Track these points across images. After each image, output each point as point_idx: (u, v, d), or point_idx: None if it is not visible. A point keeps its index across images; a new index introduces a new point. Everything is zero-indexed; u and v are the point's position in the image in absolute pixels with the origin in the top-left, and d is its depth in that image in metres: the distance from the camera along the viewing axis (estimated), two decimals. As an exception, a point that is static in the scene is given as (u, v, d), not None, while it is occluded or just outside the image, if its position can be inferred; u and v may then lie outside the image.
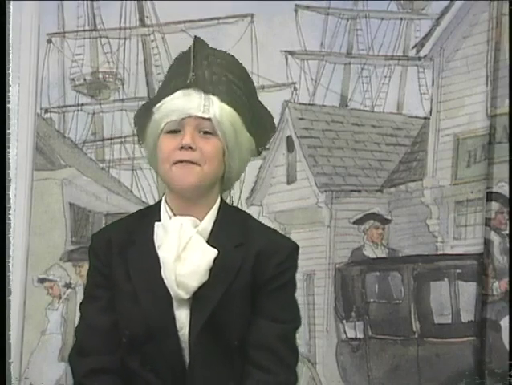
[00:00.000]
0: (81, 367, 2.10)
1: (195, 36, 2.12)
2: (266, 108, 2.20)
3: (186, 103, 2.03)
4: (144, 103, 2.22)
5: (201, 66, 2.06)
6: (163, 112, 2.05)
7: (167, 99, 2.05)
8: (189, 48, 2.09)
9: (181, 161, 2.02)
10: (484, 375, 3.20)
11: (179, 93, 2.04)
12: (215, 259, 2.03)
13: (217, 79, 2.05)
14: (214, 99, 2.03)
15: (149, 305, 2.05)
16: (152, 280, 2.05)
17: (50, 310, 3.37)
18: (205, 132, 2.03)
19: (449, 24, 3.25)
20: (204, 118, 2.02)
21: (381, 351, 3.28)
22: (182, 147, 2.01)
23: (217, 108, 2.03)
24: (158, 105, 2.07)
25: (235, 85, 2.08)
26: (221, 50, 2.13)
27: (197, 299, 2.04)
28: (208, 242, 2.06)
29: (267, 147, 3.21)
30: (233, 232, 2.09)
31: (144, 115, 2.13)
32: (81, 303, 2.18)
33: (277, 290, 2.08)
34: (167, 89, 2.09)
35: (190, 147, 2.01)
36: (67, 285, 3.36)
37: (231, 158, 2.06)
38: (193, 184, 2.03)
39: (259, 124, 2.14)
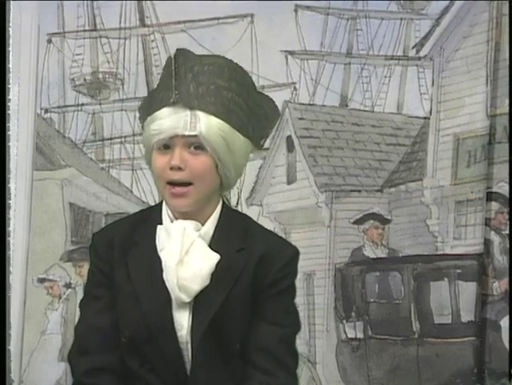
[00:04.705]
0: (81, 366, 2.10)
1: (177, 49, 2.09)
2: (266, 96, 2.15)
3: (172, 122, 2.00)
4: (141, 102, 2.20)
5: (185, 81, 2.02)
6: (151, 132, 2.03)
7: (154, 117, 2.03)
8: (171, 62, 2.05)
9: (173, 183, 2.02)
10: (484, 375, 3.20)
11: (165, 111, 2.02)
12: (217, 263, 2.04)
13: (204, 90, 2.02)
14: (201, 114, 2.00)
15: (149, 306, 2.05)
16: (153, 282, 2.05)
17: (50, 310, 3.37)
18: (196, 147, 2.02)
19: (449, 24, 3.26)
20: (191, 135, 2.01)
21: (381, 351, 3.28)
22: (172, 168, 2.01)
23: (203, 124, 2.00)
24: (148, 120, 2.05)
25: (225, 89, 2.04)
26: (208, 55, 2.11)
27: (199, 303, 2.04)
28: (210, 246, 2.06)
29: (267, 147, 3.25)
30: (235, 236, 2.09)
31: (142, 116, 2.12)
32: (81, 302, 2.18)
33: (278, 295, 2.09)
34: (157, 99, 2.06)
35: (179, 168, 2.01)
36: (67, 285, 3.36)
37: (225, 168, 2.05)
38: (187, 206, 2.04)
39: (259, 116, 2.11)
